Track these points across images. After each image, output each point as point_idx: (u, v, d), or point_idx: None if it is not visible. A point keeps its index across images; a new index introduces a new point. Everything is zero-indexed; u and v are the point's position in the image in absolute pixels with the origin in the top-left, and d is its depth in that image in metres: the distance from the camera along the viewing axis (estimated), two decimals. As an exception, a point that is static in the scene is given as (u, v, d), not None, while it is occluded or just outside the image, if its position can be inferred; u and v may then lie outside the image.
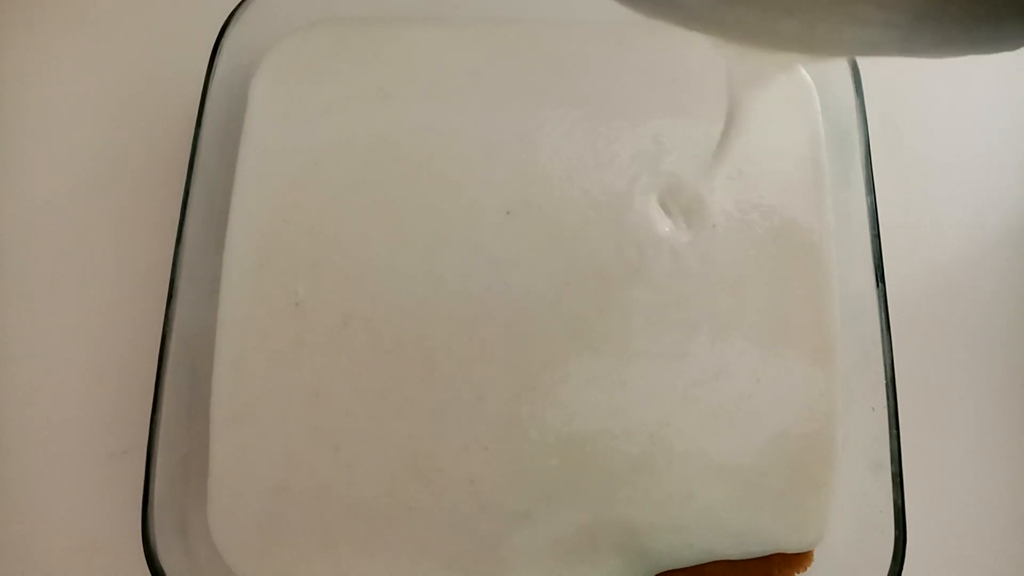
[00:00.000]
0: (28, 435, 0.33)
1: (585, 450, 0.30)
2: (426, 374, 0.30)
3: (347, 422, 0.30)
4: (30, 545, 0.31)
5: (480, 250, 0.32)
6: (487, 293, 0.31)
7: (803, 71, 0.35)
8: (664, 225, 0.32)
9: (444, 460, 0.29)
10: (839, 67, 0.33)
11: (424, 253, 0.32)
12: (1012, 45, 0.20)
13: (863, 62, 0.33)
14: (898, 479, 0.28)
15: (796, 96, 0.34)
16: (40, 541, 0.31)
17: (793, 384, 0.30)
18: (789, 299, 0.31)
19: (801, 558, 0.30)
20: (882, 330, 0.30)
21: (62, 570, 0.31)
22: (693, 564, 0.30)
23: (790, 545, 0.30)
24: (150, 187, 0.35)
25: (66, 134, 0.37)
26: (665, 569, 0.30)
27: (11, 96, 0.37)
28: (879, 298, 0.30)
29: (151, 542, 0.27)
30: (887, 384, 0.29)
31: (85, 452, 0.32)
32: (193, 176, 0.31)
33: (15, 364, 0.34)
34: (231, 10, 0.33)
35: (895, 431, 0.29)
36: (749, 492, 0.29)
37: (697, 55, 0.34)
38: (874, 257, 0.30)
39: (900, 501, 0.28)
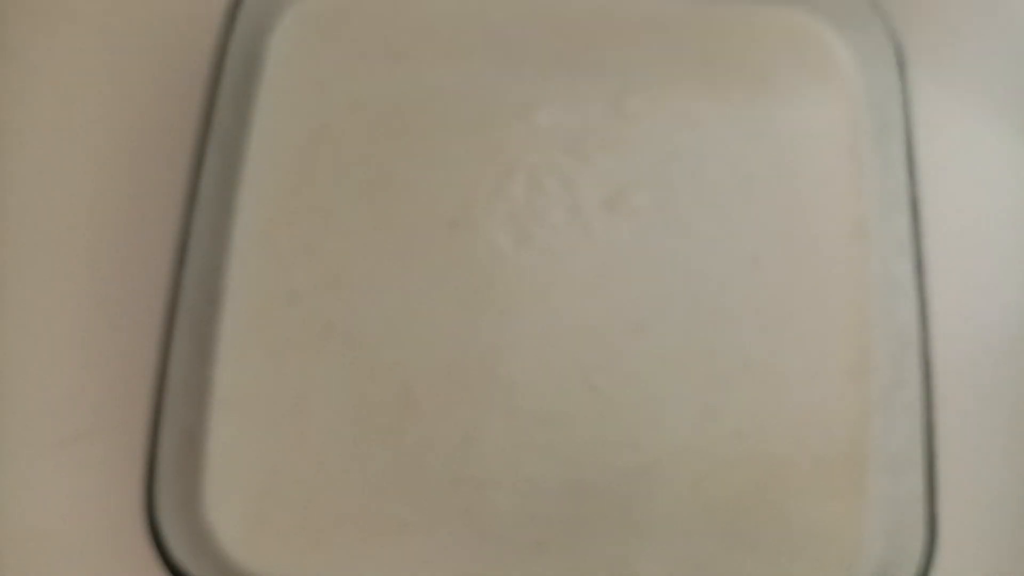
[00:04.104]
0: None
1: (598, 498, 0.29)
2: (406, 407, 0.29)
3: (330, 439, 0.29)
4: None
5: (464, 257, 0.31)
6: (468, 325, 0.30)
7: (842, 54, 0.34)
8: (681, 241, 0.31)
9: (435, 491, 0.28)
10: (882, 49, 0.32)
11: (403, 258, 0.31)
12: None
13: (909, 46, 0.32)
14: (930, 481, 0.27)
15: (834, 81, 0.33)
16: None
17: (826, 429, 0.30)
18: (825, 322, 0.31)
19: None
20: (920, 324, 0.29)
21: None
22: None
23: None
24: (162, 146, 0.34)
25: (80, 91, 0.36)
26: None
27: (20, 49, 0.36)
28: (917, 296, 0.29)
29: (155, 517, 0.26)
30: (922, 379, 0.28)
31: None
32: (209, 135, 0.30)
33: (9, 330, 0.32)
34: (251, -34, 0.32)
35: (928, 433, 0.28)
36: (774, 554, 0.28)
37: (737, 29, 0.33)
38: (914, 247, 0.30)
39: (931, 505, 0.27)
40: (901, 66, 0.32)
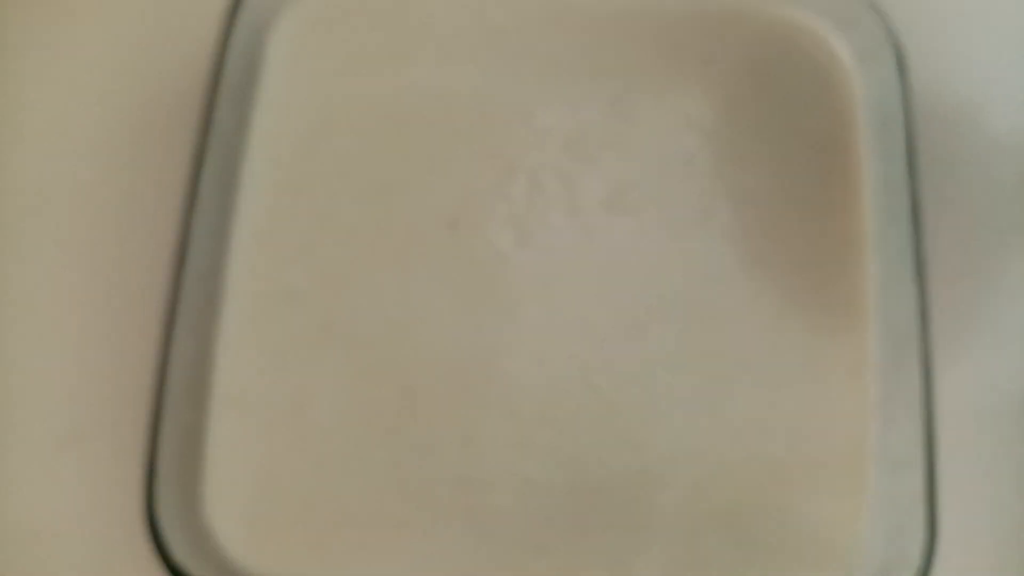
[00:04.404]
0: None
1: (598, 498, 0.29)
2: (406, 407, 0.29)
3: (330, 440, 0.29)
4: None
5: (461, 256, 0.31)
6: (468, 325, 0.30)
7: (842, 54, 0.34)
8: (681, 242, 0.31)
9: (437, 491, 0.28)
10: (882, 49, 0.32)
11: (402, 258, 0.31)
12: None
13: (909, 46, 0.32)
14: (930, 481, 0.27)
15: (834, 81, 0.33)
16: None
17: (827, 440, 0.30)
18: (824, 322, 0.30)
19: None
20: (920, 324, 0.29)
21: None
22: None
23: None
24: (161, 146, 0.33)
25: (79, 91, 0.35)
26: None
27: (19, 48, 0.36)
28: (916, 296, 0.29)
29: (155, 517, 0.26)
30: (922, 378, 0.28)
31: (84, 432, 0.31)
32: (209, 134, 0.30)
33: (10, 330, 0.32)
34: (250, -36, 0.32)
35: (928, 433, 0.28)
36: (773, 554, 0.28)
37: (736, 29, 0.33)
38: (914, 247, 0.29)
39: (931, 505, 0.27)
40: (901, 66, 0.32)
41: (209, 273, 0.30)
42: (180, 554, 0.26)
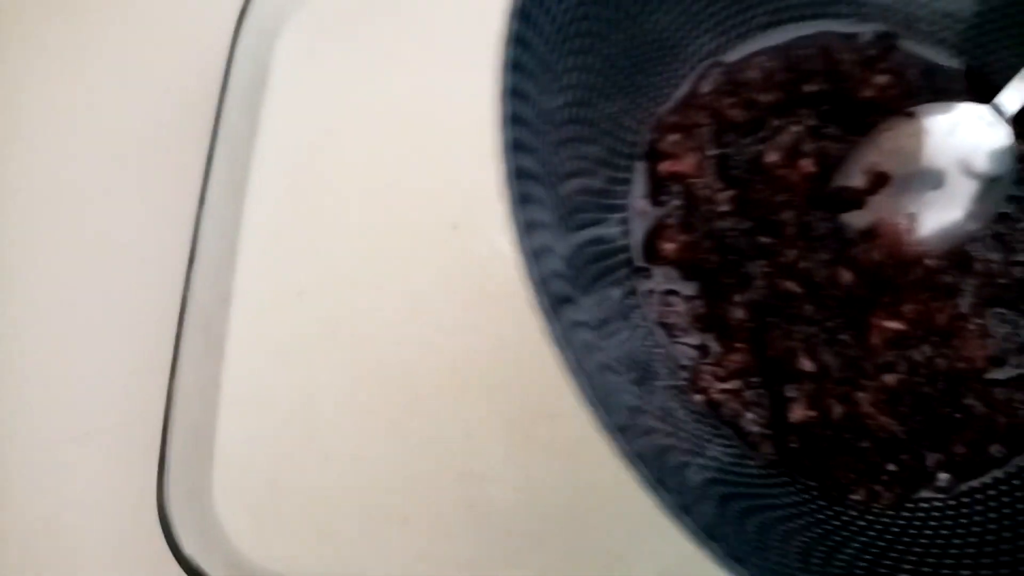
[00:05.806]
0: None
1: (595, 493, 0.29)
2: (409, 404, 0.30)
3: (336, 434, 0.30)
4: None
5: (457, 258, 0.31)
6: (470, 324, 0.30)
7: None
8: None
9: (437, 485, 0.29)
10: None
11: (406, 259, 0.31)
12: None
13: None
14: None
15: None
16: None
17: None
18: None
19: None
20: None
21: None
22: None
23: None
24: (171, 149, 0.34)
25: (92, 97, 0.36)
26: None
27: (33, 55, 0.37)
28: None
29: (166, 511, 0.27)
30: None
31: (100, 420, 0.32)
32: (218, 137, 0.31)
33: (27, 329, 0.33)
34: (258, -27, 0.32)
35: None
36: None
37: None
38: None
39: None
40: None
41: (218, 273, 0.31)
42: (190, 547, 0.27)
